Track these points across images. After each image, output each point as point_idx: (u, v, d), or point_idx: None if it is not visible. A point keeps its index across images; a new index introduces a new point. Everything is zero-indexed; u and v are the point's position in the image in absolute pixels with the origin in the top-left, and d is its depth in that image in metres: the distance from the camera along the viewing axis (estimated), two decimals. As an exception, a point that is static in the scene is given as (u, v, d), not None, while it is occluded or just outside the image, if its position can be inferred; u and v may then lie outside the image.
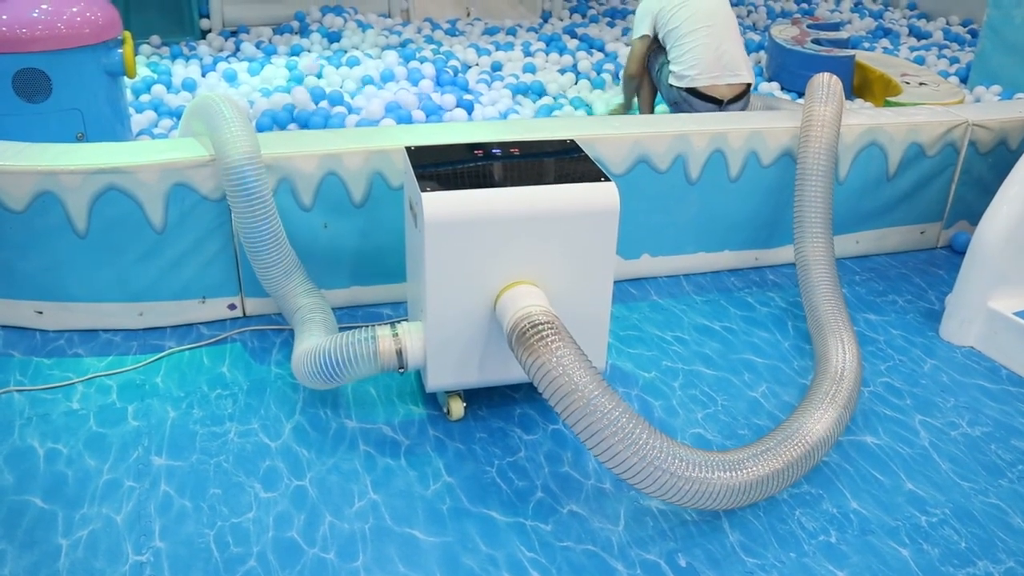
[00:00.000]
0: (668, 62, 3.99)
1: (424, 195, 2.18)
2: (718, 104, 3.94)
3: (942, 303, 3.13)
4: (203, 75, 4.85)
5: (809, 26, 5.54)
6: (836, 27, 5.76)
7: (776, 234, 3.42)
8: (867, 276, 3.44)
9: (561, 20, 6.67)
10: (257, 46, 5.44)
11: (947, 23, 6.81)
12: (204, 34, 5.83)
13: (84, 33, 3.26)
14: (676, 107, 4.04)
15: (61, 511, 2.10)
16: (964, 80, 5.11)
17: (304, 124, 4.03)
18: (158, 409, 2.49)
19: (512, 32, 6.12)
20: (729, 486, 2.01)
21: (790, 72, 4.97)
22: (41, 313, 2.82)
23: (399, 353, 2.33)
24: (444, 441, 2.39)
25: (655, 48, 4.13)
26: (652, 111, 4.23)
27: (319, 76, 4.76)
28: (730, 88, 3.94)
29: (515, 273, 2.28)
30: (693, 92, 3.93)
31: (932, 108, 3.66)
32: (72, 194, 2.64)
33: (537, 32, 6.17)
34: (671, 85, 3.98)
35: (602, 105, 4.51)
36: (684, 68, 3.92)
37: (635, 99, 4.30)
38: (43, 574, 1.93)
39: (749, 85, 3.99)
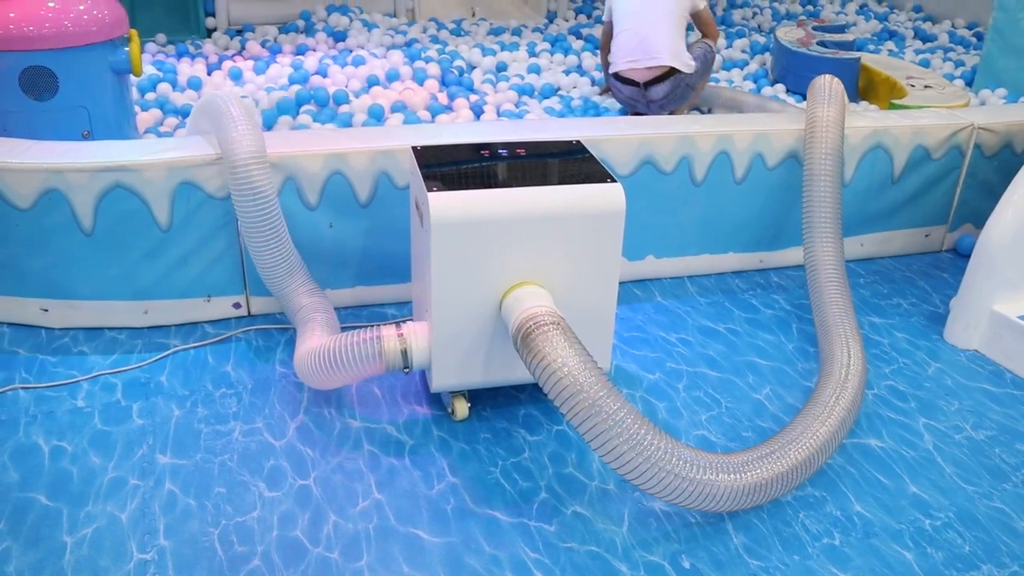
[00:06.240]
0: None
1: (431, 195, 2.18)
2: (636, 86, 4.16)
3: (947, 306, 3.13)
4: (209, 74, 4.85)
5: (814, 28, 5.53)
6: (841, 29, 5.76)
7: (781, 236, 3.42)
8: (872, 279, 3.43)
9: (566, 20, 6.66)
10: (263, 45, 5.45)
11: (952, 26, 6.79)
12: (210, 33, 5.84)
13: (91, 31, 3.26)
14: (612, 94, 4.36)
15: (66, 508, 2.11)
16: (969, 83, 5.10)
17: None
18: (163, 407, 2.49)
19: (517, 32, 6.12)
20: (734, 488, 2.01)
21: (795, 74, 4.96)
22: (47, 311, 2.82)
23: (404, 353, 2.33)
24: (448, 441, 2.40)
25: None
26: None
27: (324, 75, 4.76)
28: (648, 71, 4.12)
29: (521, 274, 2.28)
30: (617, 77, 4.21)
31: (937, 111, 3.66)
32: (78, 192, 2.65)
33: (542, 32, 6.17)
34: (609, 73, 4.29)
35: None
36: (612, 55, 4.23)
37: None
38: (48, 571, 1.93)
39: (672, 69, 4.13)
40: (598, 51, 5.51)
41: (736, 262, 3.42)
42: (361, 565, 1.99)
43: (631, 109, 4.32)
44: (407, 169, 2.85)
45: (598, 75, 5.00)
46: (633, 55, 4.12)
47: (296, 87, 4.42)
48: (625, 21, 4.18)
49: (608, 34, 4.44)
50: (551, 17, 6.72)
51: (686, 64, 4.15)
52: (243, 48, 5.43)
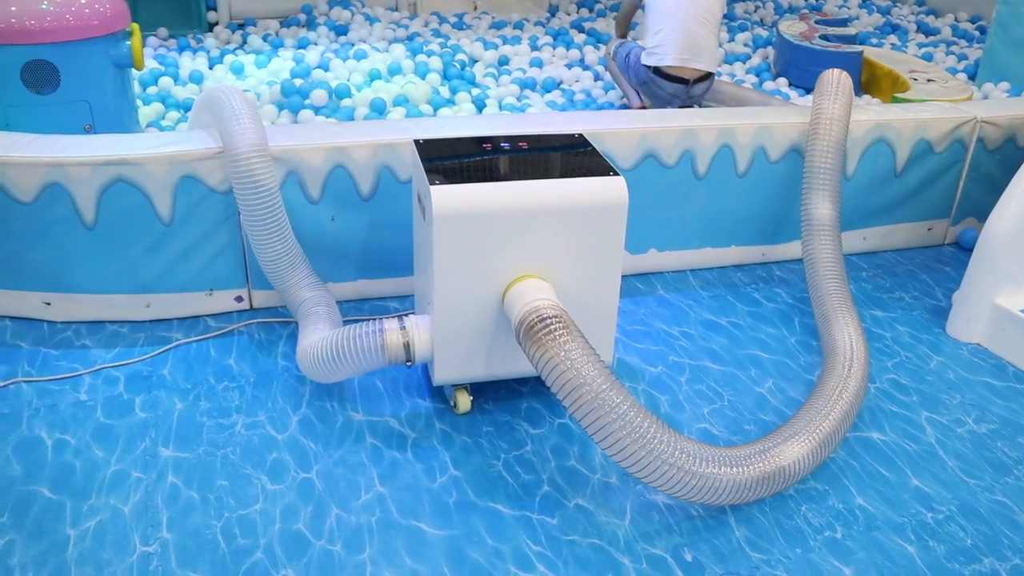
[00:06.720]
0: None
1: (433, 188, 2.18)
2: (685, 84, 4.08)
3: (949, 300, 3.13)
4: (210, 68, 4.84)
5: (817, 22, 5.51)
6: (844, 23, 5.74)
7: (783, 230, 3.42)
8: (874, 272, 3.43)
9: (568, 14, 6.65)
10: (264, 39, 5.44)
11: (955, 19, 6.77)
12: (211, 27, 5.83)
13: (93, 25, 3.26)
14: (644, 87, 4.21)
15: (69, 501, 2.11)
16: (972, 77, 5.09)
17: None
18: (165, 401, 2.49)
19: (519, 26, 6.11)
20: (736, 482, 2.01)
21: (798, 68, 4.95)
22: (49, 304, 2.82)
23: (406, 346, 2.33)
24: (451, 434, 2.40)
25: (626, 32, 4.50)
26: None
27: (325, 69, 4.75)
28: (695, 71, 4.08)
29: (523, 267, 2.28)
30: (660, 72, 4.08)
31: (940, 105, 3.65)
32: (80, 186, 2.65)
33: (544, 26, 6.16)
34: (643, 64, 4.15)
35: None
36: (655, 47, 4.08)
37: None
38: (51, 564, 1.94)
39: (711, 73, 4.15)
40: (600, 45, 5.52)
41: (738, 255, 3.42)
42: (363, 558, 1.99)
43: (642, 103, 4.29)
44: (409, 162, 2.84)
45: (602, 70, 4.99)
46: (685, 52, 4.02)
47: (298, 81, 4.42)
48: (670, 16, 4.05)
49: (629, 10, 4.44)
50: (553, 11, 6.71)
51: (718, 66, 4.23)
52: (244, 42, 5.43)
